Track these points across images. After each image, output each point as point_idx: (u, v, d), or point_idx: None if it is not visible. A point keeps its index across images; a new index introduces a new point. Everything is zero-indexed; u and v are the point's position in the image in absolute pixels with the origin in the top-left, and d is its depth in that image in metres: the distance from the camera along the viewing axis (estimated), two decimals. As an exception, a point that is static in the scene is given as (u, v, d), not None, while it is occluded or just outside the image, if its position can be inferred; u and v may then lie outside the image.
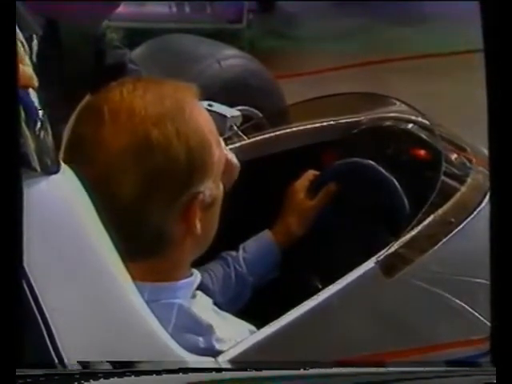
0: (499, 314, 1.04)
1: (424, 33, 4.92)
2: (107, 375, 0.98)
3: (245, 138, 1.71)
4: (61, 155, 1.12)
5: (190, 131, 1.12)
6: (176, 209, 1.13)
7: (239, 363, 1.10)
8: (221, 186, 1.20)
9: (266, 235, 1.58)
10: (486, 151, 1.62)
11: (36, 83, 0.97)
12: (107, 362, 0.98)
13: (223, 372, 1.08)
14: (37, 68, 1.01)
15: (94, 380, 0.97)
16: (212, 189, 1.16)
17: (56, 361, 0.96)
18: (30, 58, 1.01)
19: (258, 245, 1.57)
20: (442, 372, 1.15)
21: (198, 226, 1.14)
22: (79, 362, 0.97)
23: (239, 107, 2.24)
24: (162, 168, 1.10)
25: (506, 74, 1.03)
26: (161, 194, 1.11)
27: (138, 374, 0.99)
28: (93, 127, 1.12)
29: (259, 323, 1.22)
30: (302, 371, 1.06)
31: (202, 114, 1.18)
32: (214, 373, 1.05)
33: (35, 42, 1.33)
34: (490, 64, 1.03)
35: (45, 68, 1.30)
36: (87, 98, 1.22)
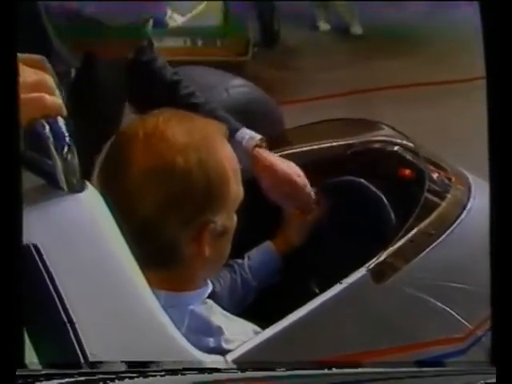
0: (499, 315, 0.97)
1: (413, 64, 4.94)
2: (124, 374, 0.95)
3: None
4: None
5: (211, 164, 1.11)
6: (188, 231, 1.12)
7: (246, 362, 1.08)
8: (234, 219, 1.18)
9: (268, 245, 1.57)
10: (464, 171, 1.62)
11: (64, 112, 0.96)
12: (123, 362, 0.96)
13: (231, 370, 1.05)
14: (73, 99, 1.00)
15: (113, 380, 0.94)
16: (225, 220, 1.15)
17: (82, 361, 0.94)
18: (67, 90, 0.99)
19: (261, 253, 1.56)
20: (441, 371, 1.11)
21: (207, 250, 1.13)
22: (100, 362, 0.94)
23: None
24: (180, 192, 1.09)
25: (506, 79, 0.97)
26: (176, 216, 1.10)
27: (154, 372, 0.96)
28: (127, 147, 1.12)
29: (262, 323, 1.20)
30: (301, 371, 1.03)
31: (226, 151, 1.16)
32: (222, 371, 1.03)
33: (72, 75, 1.29)
34: (490, 71, 0.98)
35: (82, 100, 1.28)
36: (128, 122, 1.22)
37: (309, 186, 1.55)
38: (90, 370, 0.93)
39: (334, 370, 1.04)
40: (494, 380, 0.98)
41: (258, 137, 1.56)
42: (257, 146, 1.55)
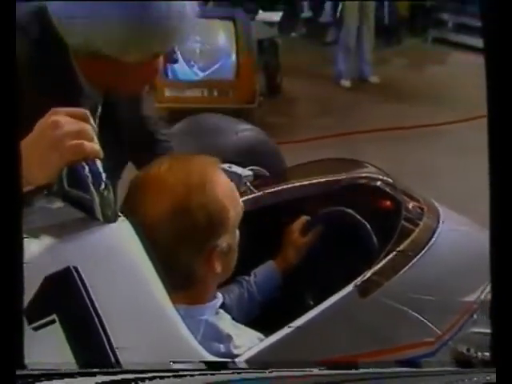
0: (499, 316, 0.90)
1: (398, 109, 4.98)
2: (145, 373, 0.94)
3: (255, 191, 1.71)
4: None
5: (209, 201, 1.14)
6: (200, 256, 1.14)
7: (252, 364, 1.08)
8: (237, 235, 1.20)
9: (270, 264, 1.58)
10: (433, 201, 1.64)
11: (101, 155, 0.99)
12: (145, 363, 0.95)
13: (238, 371, 1.04)
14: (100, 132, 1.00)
15: (143, 380, 0.93)
16: (229, 239, 1.17)
17: (113, 361, 0.94)
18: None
19: (265, 271, 1.56)
20: (445, 372, 1.06)
21: (219, 267, 1.15)
22: (130, 364, 0.94)
23: (251, 167, 2.24)
24: (187, 227, 1.12)
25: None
26: (188, 246, 1.13)
27: (170, 372, 0.95)
28: (140, 196, 1.15)
29: (265, 332, 1.21)
30: (299, 371, 1.02)
31: (220, 183, 1.18)
32: (231, 372, 1.02)
33: (99, 110, 1.29)
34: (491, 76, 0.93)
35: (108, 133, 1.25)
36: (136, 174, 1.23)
37: None
38: (119, 370, 0.92)
39: (325, 372, 1.02)
40: (494, 380, 0.89)
41: None
42: None
